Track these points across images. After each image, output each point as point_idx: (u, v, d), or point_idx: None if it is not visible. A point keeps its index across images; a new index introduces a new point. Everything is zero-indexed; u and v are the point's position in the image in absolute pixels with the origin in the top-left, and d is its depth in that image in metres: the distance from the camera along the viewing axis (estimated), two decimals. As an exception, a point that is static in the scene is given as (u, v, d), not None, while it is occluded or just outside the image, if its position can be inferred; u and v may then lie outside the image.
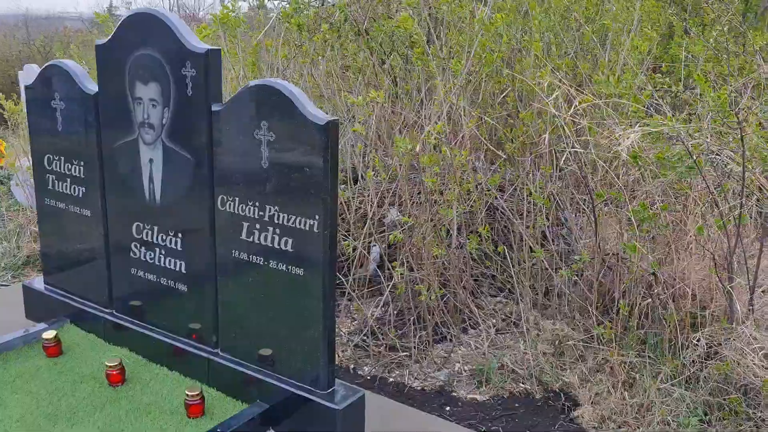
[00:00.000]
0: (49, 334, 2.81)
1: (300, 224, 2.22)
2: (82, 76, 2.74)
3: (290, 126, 2.16)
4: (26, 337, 2.89)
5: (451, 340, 3.33)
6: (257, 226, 2.33)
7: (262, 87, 2.22)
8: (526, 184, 3.11)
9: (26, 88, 2.93)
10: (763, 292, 2.84)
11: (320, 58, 3.32)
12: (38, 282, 3.23)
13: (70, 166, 2.87)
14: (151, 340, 2.75)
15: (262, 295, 2.39)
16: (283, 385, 2.37)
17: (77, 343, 2.92)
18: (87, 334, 2.97)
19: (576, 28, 3.61)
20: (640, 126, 2.45)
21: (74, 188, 2.88)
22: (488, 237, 3.11)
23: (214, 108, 2.35)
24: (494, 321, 3.39)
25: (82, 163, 2.82)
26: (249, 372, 2.46)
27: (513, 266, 3.36)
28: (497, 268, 3.64)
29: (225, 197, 2.39)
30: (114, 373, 2.61)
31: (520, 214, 3.40)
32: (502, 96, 3.28)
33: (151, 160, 2.58)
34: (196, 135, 2.41)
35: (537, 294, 3.38)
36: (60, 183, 2.93)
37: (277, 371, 2.41)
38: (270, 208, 2.28)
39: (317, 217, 2.17)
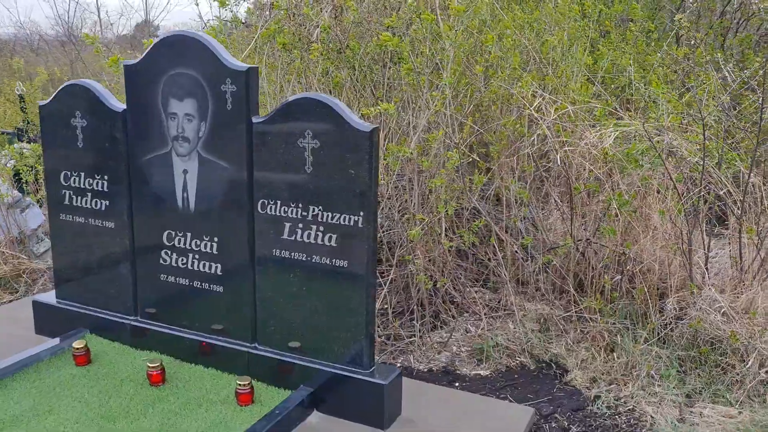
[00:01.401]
0: (80, 344, 2.91)
1: (344, 221, 2.49)
2: (107, 95, 2.89)
3: (336, 133, 2.44)
4: (53, 349, 2.97)
5: (441, 328, 3.67)
6: (300, 225, 2.58)
7: (306, 99, 2.48)
8: (505, 182, 3.51)
9: (41, 107, 3.02)
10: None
11: (312, 74, 3.60)
12: (48, 297, 3.29)
13: (91, 181, 2.99)
14: (183, 341, 2.91)
15: (304, 288, 2.63)
16: (327, 369, 2.62)
17: (104, 351, 3.02)
18: (111, 342, 3.08)
19: (529, 45, 4.07)
20: (613, 127, 2.90)
21: (96, 202, 3.00)
22: (476, 232, 3.48)
23: (255, 120, 2.58)
24: (478, 308, 3.76)
25: (105, 178, 2.95)
26: (291, 360, 2.69)
27: (491, 258, 3.76)
28: (473, 261, 4.03)
29: (266, 201, 2.63)
30: (155, 373, 2.76)
31: (496, 212, 3.80)
32: (475, 104, 3.67)
33: (185, 171, 2.76)
34: (236, 145, 2.63)
35: (512, 282, 3.78)
36: (79, 198, 3.04)
37: (320, 357, 2.65)
38: (313, 208, 2.54)
39: (362, 213, 2.45)
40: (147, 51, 2.73)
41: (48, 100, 3.02)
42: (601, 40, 4.24)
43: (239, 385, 2.62)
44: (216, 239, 2.78)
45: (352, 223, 2.48)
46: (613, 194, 3.03)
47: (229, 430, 2.47)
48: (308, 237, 2.57)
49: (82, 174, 3.01)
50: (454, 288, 3.71)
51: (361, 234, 2.47)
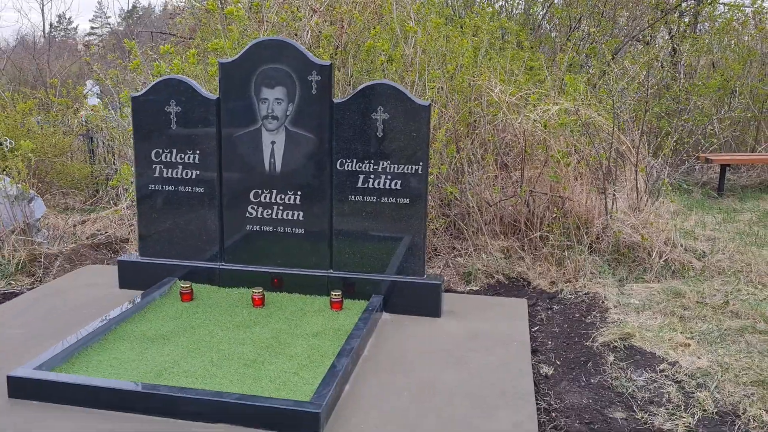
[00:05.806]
0: (186, 284, 3.67)
1: (408, 170, 3.54)
2: (199, 87, 3.68)
3: (402, 108, 3.49)
4: (161, 291, 3.68)
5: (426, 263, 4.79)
6: (372, 176, 3.59)
7: (379, 85, 3.51)
8: (471, 152, 4.73)
9: (134, 98, 3.72)
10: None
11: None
12: (131, 257, 3.95)
13: (183, 156, 3.75)
14: (267, 275, 3.77)
15: (373, 221, 3.64)
16: (394, 279, 3.64)
17: (198, 291, 3.78)
18: (200, 285, 3.84)
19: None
20: (551, 105, 4.23)
21: (186, 172, 3.76)
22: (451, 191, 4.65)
23: (336, 101, 3.56)
24: (457, 246, 4.94)
25: (197, 152, 3.73)
26: (363, 277, 3.68)
27: (454, 213, 4.96)
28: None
29: (344, 160, 3.60)
30: (258, 297, 3.61)
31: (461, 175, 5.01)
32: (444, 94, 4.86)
33: (272, 142, 3.65)
34: (319, 120, 3.58)
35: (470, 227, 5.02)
36: (169, 170, 3.78)
37: (387, 272, 3.66)
38: (383, 163, 3.56)
39: (421, 163, 3.53)
40: (242, 52, 3.59)
41: (142, 92, 3.73)
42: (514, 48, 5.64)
43: (333, 295, 3.56)
44: (299, 192, 3.69)
45: (413, 171, 3.54)
46: (549, 153, 4.36)
47: (338, 323, 3.41)
48: (378, 184, 3.59)
49: (174, 150, 3.76)
50: (436, 232, 4.87)
51: (420, 178, 3.54)
